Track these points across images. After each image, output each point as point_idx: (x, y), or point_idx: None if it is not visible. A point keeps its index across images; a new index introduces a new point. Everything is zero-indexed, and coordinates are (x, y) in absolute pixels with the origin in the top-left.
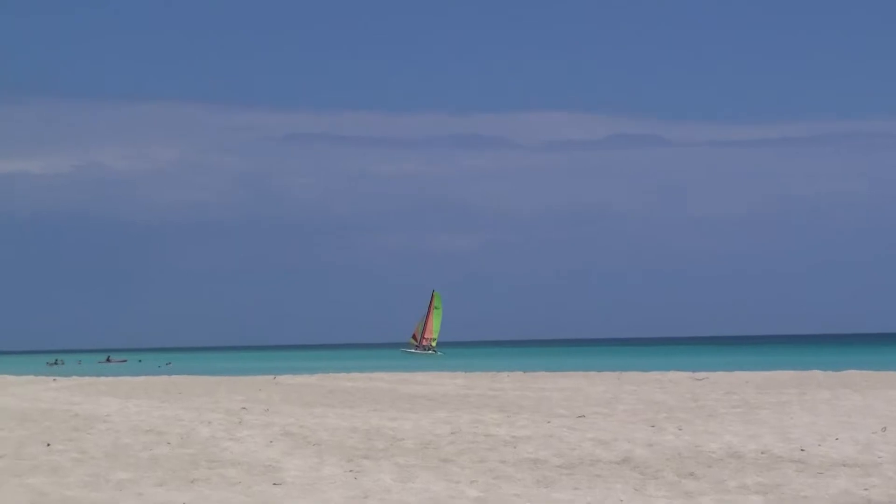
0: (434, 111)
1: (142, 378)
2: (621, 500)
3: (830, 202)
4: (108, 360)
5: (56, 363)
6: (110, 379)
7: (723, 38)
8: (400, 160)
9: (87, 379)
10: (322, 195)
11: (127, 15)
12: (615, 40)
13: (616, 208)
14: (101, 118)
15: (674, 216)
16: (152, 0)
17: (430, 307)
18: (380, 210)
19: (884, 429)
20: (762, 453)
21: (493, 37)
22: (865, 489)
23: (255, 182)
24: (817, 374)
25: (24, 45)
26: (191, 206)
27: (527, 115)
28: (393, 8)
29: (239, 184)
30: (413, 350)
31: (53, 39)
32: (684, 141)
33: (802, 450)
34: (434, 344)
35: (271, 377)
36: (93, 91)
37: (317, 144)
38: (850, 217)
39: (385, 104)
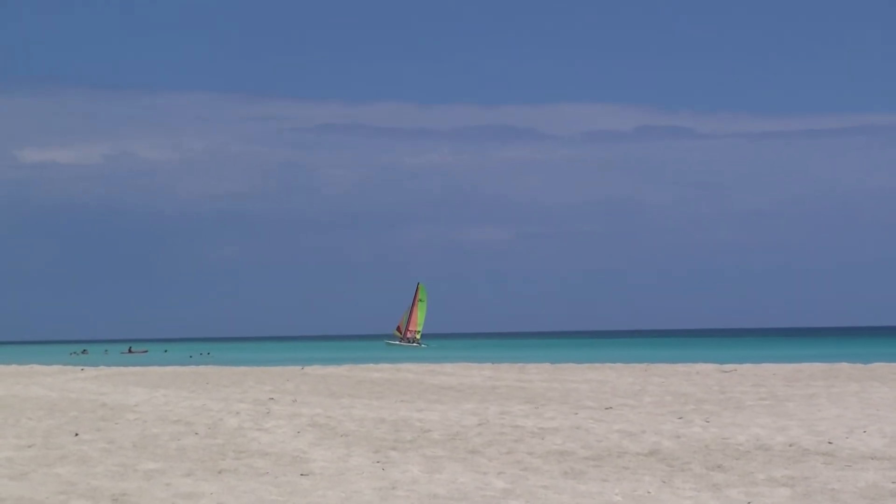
0: (466, 102)
1: (170, 368)
2: (649, 492)
3: (862, 195)
4: (129, 350)
5: (83, 353)
6: (138, 369)
7: (756, 30)
8: (431, 151)
9: (115, 369)
10: (353, 186)
11: (158, 7)
12: (648, 32)
13: (647, 200)
14: (133, 109)
15: (704, 209)
16: None
17: (414, 300)
18: (411, 201)
19: None
20: (790, 446)
21: (524, 28)
22: (894, 482)
23: (286, 173)
24: (845, 366)
25: (55, 38)
26: (221, 196)
27: (558, 106)
28: None
29: (269, 175)
30: (398, 342)
31: (84, 32)
32: (716, 133)
33: (830, 442)
34: (419, 336)
35: (299, 368)
36: (124, 82)
37: (348, 135)
38: (881, 210)
39: (417, 95)
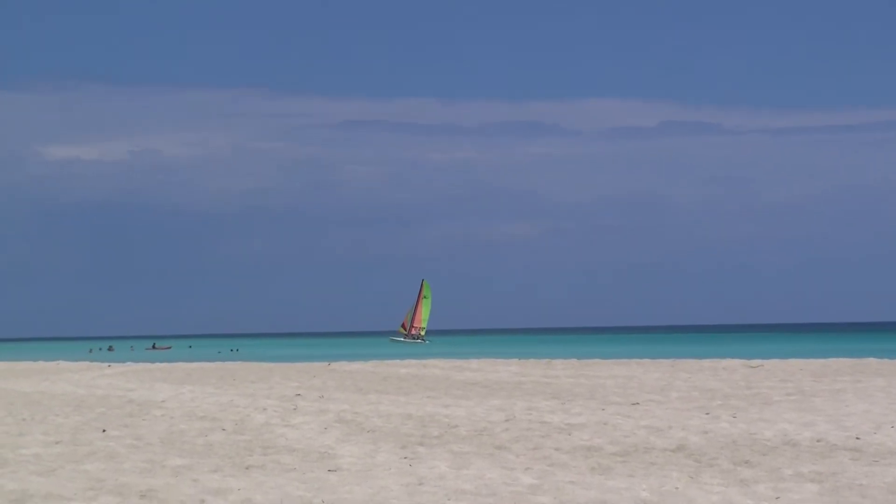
0: (489, 98)
1: (196, 364)
2: (676, 488)
3: (889, 189)
4: (153, 346)
5: (109, 350)
6: (165, 365)
7: (778, 26)
8: (455, 147)
9: (141, 365)
10: (377, 182)
11: (183, 3)
12: (672, 28)
13: (672, 195)
14: (156, 105)
15: (729, 204)
16: None
17: (419, 296)
18: (435, 197)
19: None
20: (817, 441)
21: (548, 23)
22: None
23: (310, 169)
24: (872, 361)
25: (81, 35)
26: (245, 192)
27: (582, 102)
28: None
29: (293, 171)
30: (402, 339)
31: (109, 28)
32: (740, 128)
33: (858, 438)
34: (423, 333)
35: (326, 364)
36: (149, 78)
37: (372, 132)
38: None
39: (441, 91)
